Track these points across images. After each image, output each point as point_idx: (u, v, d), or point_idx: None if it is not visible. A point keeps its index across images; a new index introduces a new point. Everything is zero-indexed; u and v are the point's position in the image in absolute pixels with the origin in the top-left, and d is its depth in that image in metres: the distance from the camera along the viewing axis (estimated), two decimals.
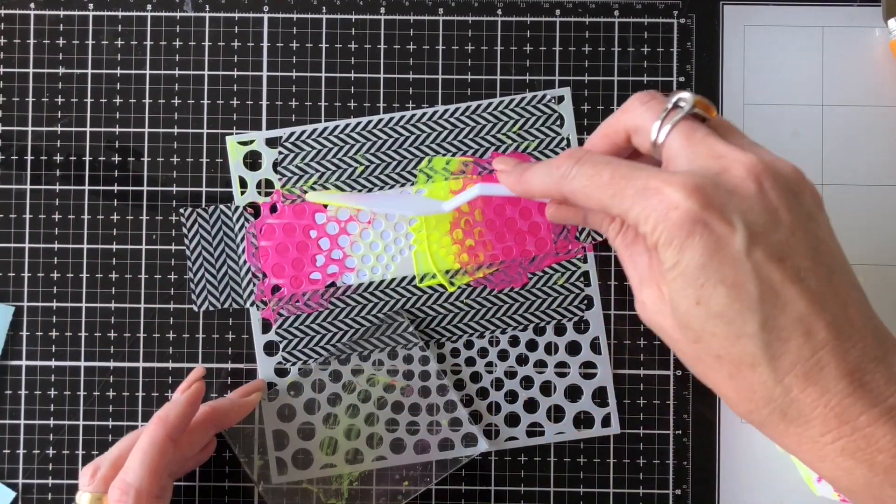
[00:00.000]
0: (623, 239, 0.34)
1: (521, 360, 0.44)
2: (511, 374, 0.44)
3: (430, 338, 0.44)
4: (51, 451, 0.44)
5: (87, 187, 0.44)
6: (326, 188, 0.44)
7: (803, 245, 0.28)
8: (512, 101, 0.44)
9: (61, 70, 0.45)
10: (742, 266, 0.28)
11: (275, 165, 0.44)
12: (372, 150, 0.44)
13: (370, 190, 0.44)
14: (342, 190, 0.44)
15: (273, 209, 0.44)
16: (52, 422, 0.44)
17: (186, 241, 0.44)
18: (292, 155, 0.44)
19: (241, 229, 0.44)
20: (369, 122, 0.44)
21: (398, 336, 0.44)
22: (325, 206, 0.44)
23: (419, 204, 0.42)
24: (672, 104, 0.31)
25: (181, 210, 0.44)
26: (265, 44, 0.45)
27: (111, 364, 0.44)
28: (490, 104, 0.44)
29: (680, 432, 0.44)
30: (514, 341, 0.44)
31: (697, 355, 0.30)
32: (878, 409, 0.27)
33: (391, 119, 0.44)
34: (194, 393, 0.39)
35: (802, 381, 0.28)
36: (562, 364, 0.44)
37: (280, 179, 0.44)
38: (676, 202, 0.28)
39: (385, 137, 0.44)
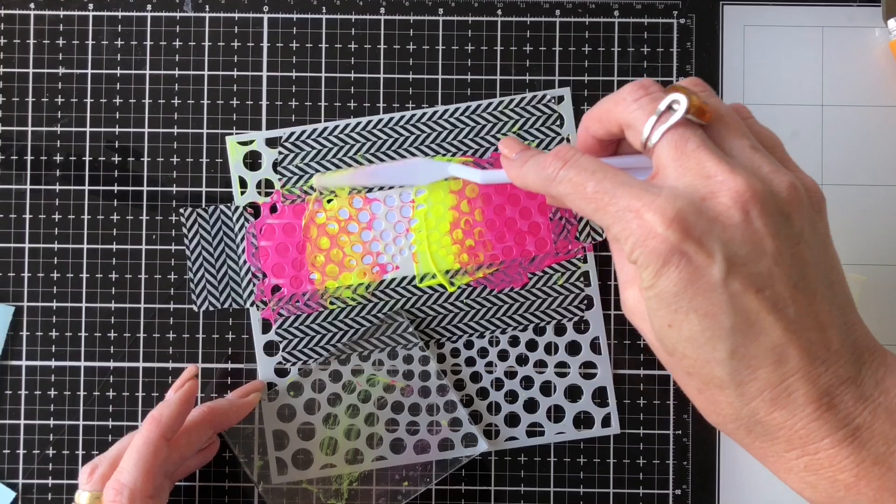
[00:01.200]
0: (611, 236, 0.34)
1: (521, 360, 0.44)
2: (511, 374, 0.44)
3: (430, 338, 0.44)
4: (51, 451, 0.44)
5: (87, 187, 0.44)
6: (328, 187, 0.44)
7: (787, 272, 0.28)
8: (512, 101, 0.44)
9: (61, 70, 0.45)
10: (717, 297, 0.27)
11: (275, 165, 0.44)
12: (372, 150, 0.44)
13: (370, 190, 0.44)
14: (343, 189, 0.44)
15: (273, 209, 0.44)
16: (52, 422, 0.44)
17: (186, 241, 0.44)
18: (292, 155, 0.44)
19: (241, 229, 0.44)
20: (369, 122, 0.44)
21: (398, 336, 0.44)
22: (328, 202, 0.44)
23: (425, 171, 0.40)
24: (665, 106, 0.30)
25: (181, 210, 0.44)
26: (265, 44, 0.45)
27: (111, 364, 0.44)
28: (490, 104, 0.44)
29: (680, 432, 0.44)
30: (514, 341, 0.44)
31: (670, 366, 0.31)
32: (843, 432, 0.27)
33: (391, 119, 0.44)
34: (188, 392, 0.39)
35: (769, 405, 0.28)
36: (562, 364, 0.44)
37: (280, 179, 0.44)
38: (655, 230, 0.28)
39: (385, 137, 0.44)
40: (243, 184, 0.44)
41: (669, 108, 0.30)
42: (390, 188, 0.44)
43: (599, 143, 0.34)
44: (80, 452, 0.44)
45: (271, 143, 0.44)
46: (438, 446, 0.43)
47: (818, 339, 0.28)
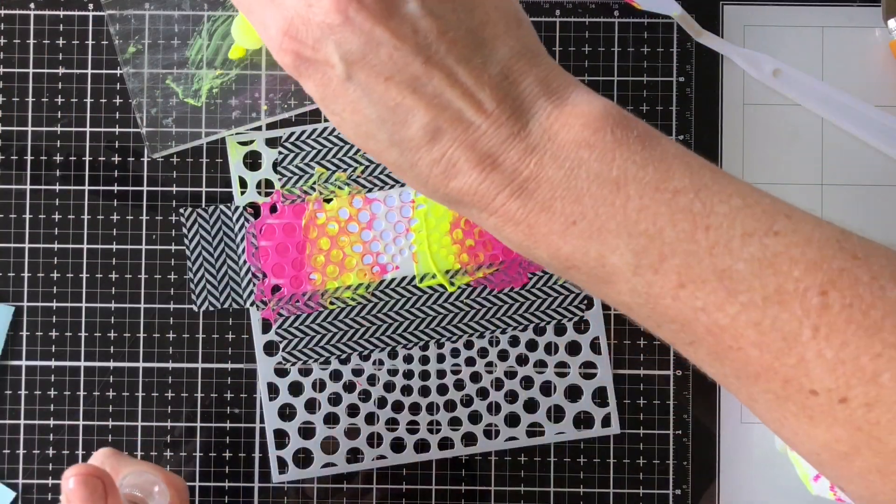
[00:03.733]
0: None
1: (521, 360, 0.44)
2: (511, 374, 0.44)
3: (430, 338, 0.44)
4: (51, 451, 0.44)
5: (87, 187, 0.44)
6: (328, 188, 0.44)
7: (414, 51, 0.28)
8: None
9: (61, 70, 0.45)
10: (351, 94, 0.28)
11: (275, 165, 0.44)
12: None
13: (370, 190, 0.44)
14: (343, 189, 0.44)
15: (273, 209, 0.44)
16: (52, 422, 0.44)
17: (186, 241, 0.44)
18: (292, 155, 0.44)
19: (241, 229, 0.44)
20: None
21: (398, 336, 0.44)
22: (328, 201, 0.44)
23: None
24: None
25: (181, 210, 0.44)
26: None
27: (111, 364, 0.44)
28: None
29: (680, 432, 0.44)
30: (514, 341, 0.44)
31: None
32: (510, 188, 0.28)
33: None
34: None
35: (442, 178, 0.29)
36: (562, 364, 0.44)
37: (280, 179, 0.44)
38: (278, 45, 0.28)
39: None
40: (243, 184, 0.44)
41: None
42: (390, 188, 0.44)
43: None
44: (81, 452, 0.44)
45: (271, 143, 0.44)
46: (438, 446, 0.43)
47: (468, 105, 0.28)
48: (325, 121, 0.44)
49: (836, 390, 0.26)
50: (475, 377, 0.44)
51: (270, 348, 0.44)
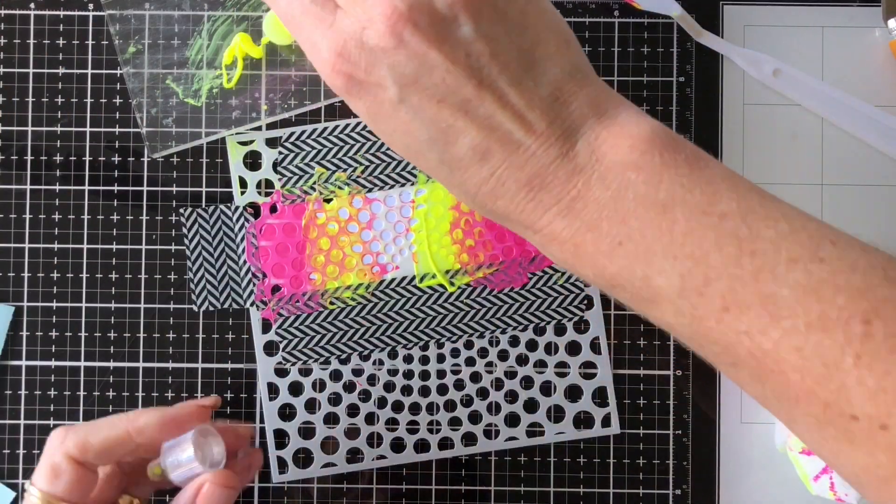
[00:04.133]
0: None
1: (521, 360, 0.44)
2: (511, 374, 0.44)
3: (430, 338, 0.44)
4: None
5: (87, 187, 0.44)
6: (328, 188, 0.44)
7: (467, 74, 0.28)
8: None
9: (61, 70, 0.45)
10: (403, 115, 0.29)
11: (275, 165, 0.44)
12: (372, 150, 0.44)
13: (370, 190, 0.44)
14: (343, 189, 0.44)
15: (273, 209, 0.44)
16: (52, 422, 0.44)
17: (186, 241, 0.44)
18: (292, 155, 0.44)
19: (241, 229, 0.44)
20: None
21: (398, 336, 0.44)
22: (328, 201, 0.44)
23: None
24: None
25: (181, 210, 0.44)
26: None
27: (111, 364, 0.44)
28: None
29: (680, 432, 0.44)
30: (514, 341, 0.44)
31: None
32: (557, 208, 0.29)
33: None
34: (184, 414, 0.37)
35: (490, 197, 0.29)
36: (562, 364, 0.44)
37: (280, 179, 0.44)
38: (330, 67, 0.29)
39: None
40: (243, 184, 0.44)
41: None
42: (390, 188, 0.44)
43: None
44: None
45: (271, 143, 0.44)
46: (438, 446, 0.43)
47: (518, 126, 0.28)
48: (325, 121, 0.44)
49: (878, 417, 0.26)
50: (475, 377, 0.44)
51: (270, 348, 0.44)
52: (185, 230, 0.44)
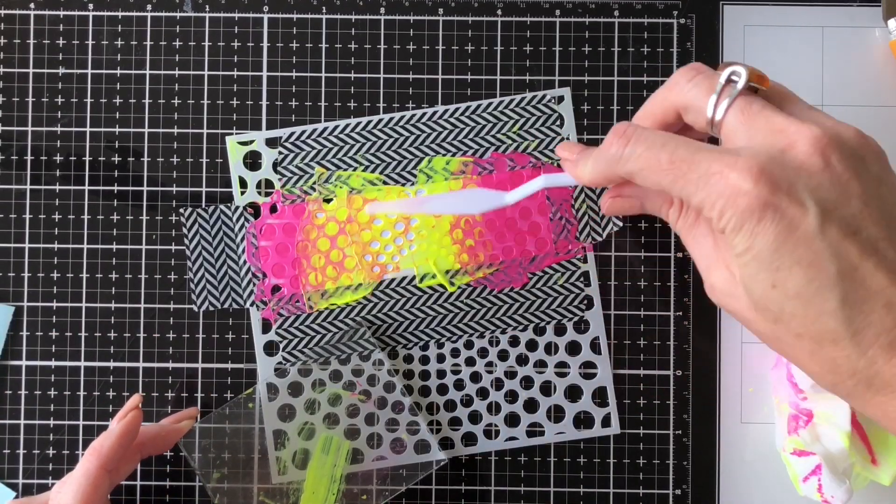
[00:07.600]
0: (684, 221, 0.34)
1: (521, 360, 0.44)
2: (511, 374, 0.44)
3: (430, 338, 0.44)
4: (51, 451, 0.44)
5: (87, 187, 0.44)
6: (328, 188, 0.44)
7: (877, 214, 0.28)
8: (512, 101, 0.44)
9: (61, 70, 0.45)
10: (818, 245, 0.27)
11: (275, 165, 0.44)
12: (372, 150, 0.44)
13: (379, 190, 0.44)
14: (342, 189, 0.44)
15: (273, 209, 0.44)
16: (52, 422, 0.44)
17: (186, 241, 0.44)
18: (292, 155, 0.44)
19: (241, 229, 0.44)
20: (369, 122, 0.44)
21: (398, 336, 0.44)
22: (327, 202, 0.44)
23: (480, 200, 0.40)
24: (725, 79, 0.30)
25: (181, 210, 0.44)
26: (265, 44, 0.45)
27: (111, 364, 0.44)
28: (490, 104, 0.44)
29: (680, 432, 0.44)
30: (514, 341, 0.44)
31: (776, 335, 0.30)
32: None
33: (391, 119, 0.44)
34: (130, 422, 0.38)
35: (887, 351, 0.28)
36: (562, 364, 0.44)
37: (280, 179, 0.44)
38: (743, 187, 0.28)
39: (385, 137, 0.44)
40: (243, 184, 0.44)
41: (728, 80, 0.30)
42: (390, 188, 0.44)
43: None
44: (80, 452, 0.44)
45: (271, 143, 0.44)
46: (438, 445, 0.43)
47: None
48: (325, 121, 0.44)
49: None
50: (475, 377, 0.44)
51: (270, 348, 0.44)
52: (185, 230, 0.44)
